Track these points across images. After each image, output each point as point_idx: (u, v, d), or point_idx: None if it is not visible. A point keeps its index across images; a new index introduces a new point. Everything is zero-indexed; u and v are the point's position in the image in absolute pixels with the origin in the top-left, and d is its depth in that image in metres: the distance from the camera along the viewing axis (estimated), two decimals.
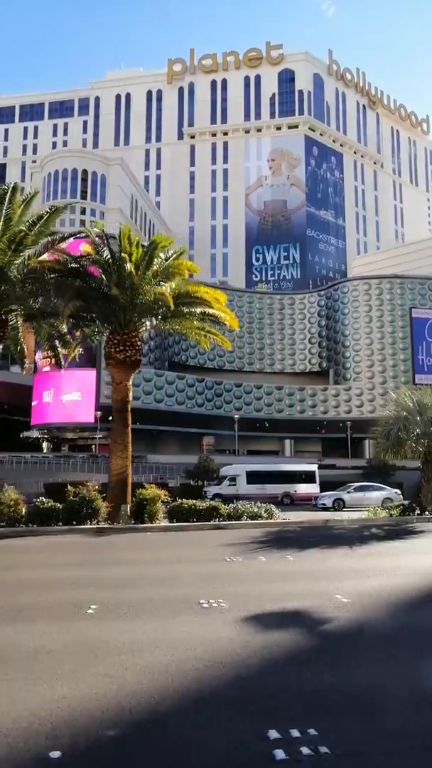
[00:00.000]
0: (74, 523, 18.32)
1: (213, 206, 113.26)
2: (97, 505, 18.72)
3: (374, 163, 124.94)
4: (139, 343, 21.12)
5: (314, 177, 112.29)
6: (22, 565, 12.35)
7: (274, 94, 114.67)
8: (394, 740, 4.23)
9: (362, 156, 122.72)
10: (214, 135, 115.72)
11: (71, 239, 21.31)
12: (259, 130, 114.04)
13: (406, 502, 24.65)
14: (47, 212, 19.93)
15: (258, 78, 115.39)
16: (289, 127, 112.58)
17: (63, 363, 22.71)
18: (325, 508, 32.89)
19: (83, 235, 21.24)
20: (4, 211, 19.61)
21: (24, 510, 18.63)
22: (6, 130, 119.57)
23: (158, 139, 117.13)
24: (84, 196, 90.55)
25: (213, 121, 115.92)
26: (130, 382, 21.32)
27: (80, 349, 22.67)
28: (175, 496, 22.08)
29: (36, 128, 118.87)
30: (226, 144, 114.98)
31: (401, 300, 74.28)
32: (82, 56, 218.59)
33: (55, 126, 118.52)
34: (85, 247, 20.32)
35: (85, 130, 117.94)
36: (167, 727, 4.39)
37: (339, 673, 5.58)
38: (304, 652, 6.20)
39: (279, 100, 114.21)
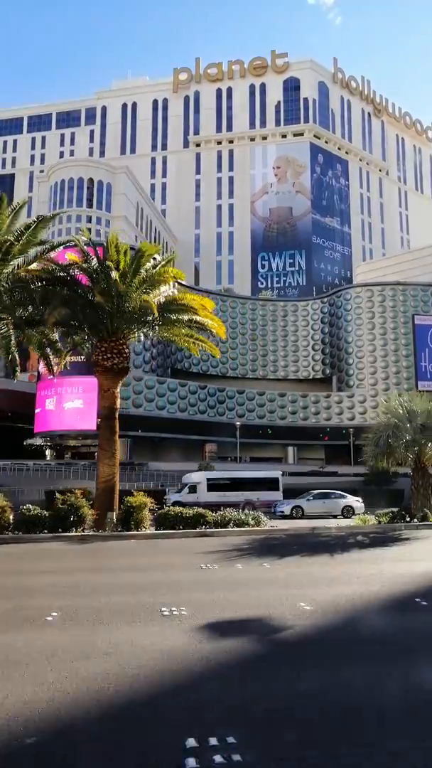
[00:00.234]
0: (60, 530, 18.36)
1: (218, 214, 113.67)
2: (84, 513, 18.77)
3: (380, 170, 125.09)
4: (127, 350, 21.19)
5: (320, 184, 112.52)
6: None
7: (279, 102, 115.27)
8: (312, 748, 4.21)
9: (367, 163, 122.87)
10: (219, 143, 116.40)
11: (60, 248, 21.49)
12: (264, 138, 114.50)
13: (395, 510, 24.34)
14: (35, 222, 20.12)
15: (263, 86, 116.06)
16: (295, 135, 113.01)
17: (55, 371, 22.82)
18: (284, 516, 32.61)
19: (72, 244, 21.41)
20: None
21: (11, 517, 18.72)
22: (15, 141, 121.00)
23: (164, 147, 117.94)
24: (90, 205, 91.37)
25: (218, 129, 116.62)
26: (118, 390, 21.38)
27: (81, 356, 22.69)
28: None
29: (44, 138, 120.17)
30: (231, 152, 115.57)
31: (404, 307, 74.08)
32: (88, 66, 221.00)
33: (63, 136, 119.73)
34: (70, 256, 20.45)
35: (92, 140, 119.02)
36: (90, 736, 4.41)
37: (276, 682, 5.57)
38: (250, 661, 6.20)
39: (284, 108, 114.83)
